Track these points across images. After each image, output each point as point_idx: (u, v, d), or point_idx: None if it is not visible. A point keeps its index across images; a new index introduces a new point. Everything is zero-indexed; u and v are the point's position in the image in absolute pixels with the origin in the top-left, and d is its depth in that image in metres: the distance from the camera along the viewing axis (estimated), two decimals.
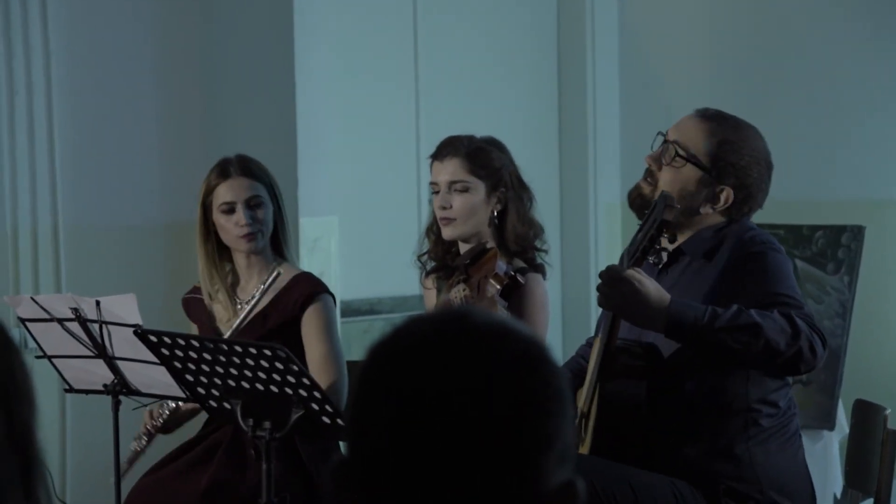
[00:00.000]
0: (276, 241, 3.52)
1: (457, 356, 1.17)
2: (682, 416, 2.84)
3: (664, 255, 2.88)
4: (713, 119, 2.95)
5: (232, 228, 3.45)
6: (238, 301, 3.53)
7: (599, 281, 2.74)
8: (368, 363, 1.22)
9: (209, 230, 3.50)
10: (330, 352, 3.41)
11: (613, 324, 2.79)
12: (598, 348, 2.86)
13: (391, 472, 1.17)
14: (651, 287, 2.69)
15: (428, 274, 3.60)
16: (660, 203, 2.70)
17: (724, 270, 2.83)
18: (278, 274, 3.44)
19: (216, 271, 3.51)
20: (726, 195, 2.89)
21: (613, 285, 2.69)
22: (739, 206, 2.91)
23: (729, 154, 2.90)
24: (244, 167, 3.48)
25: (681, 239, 2.92)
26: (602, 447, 2.84)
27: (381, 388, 1.19)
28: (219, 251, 3.52)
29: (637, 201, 2.95)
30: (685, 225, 2.89)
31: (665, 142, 2.94)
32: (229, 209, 3.46)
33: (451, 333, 1.18)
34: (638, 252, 2.72)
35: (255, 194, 3.46)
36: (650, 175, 2.95)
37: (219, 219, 3.48)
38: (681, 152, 2.89)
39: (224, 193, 3.46)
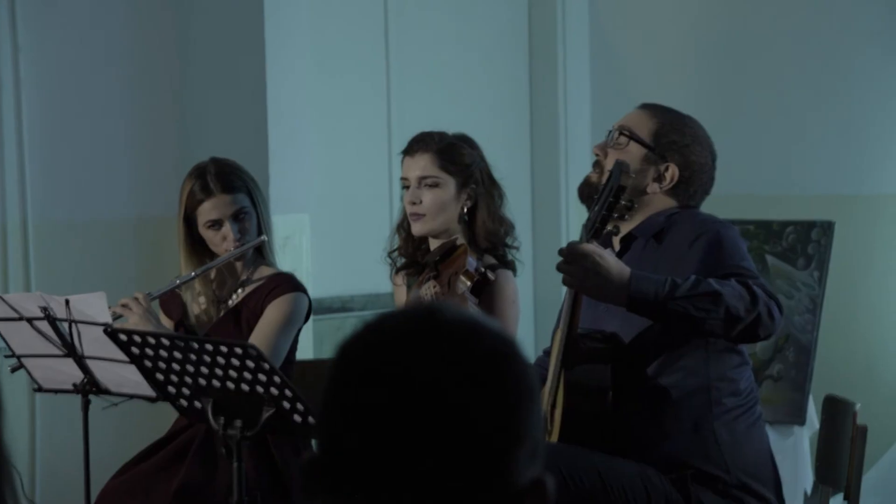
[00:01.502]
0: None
1: (427, 352, 1.16)
2: (647, 400, 2.88)
3: (621, 227, 2.90)
4: (655, 106, 3.06)
5: (220, 243, 3.47)
6: (220, 302, 3.54)
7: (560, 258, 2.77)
8: (338, 360, 1.21)
9: (194, 241, 3.50)
10: (272, 344, 3.39)
11: (575, 304, 2.82)
12: (560, 336, 2.88)
13: (362, 469, 1.16)
14: (611, 260, 2.73)
15: (398, 270, 3.60)
16: (615, 170, 2.75)
17: (678, 250, 2.87)
18: (258, 275, 3.46)
19: (205, 280, 3.52)
20: (671, 172, 2.96)
21: (574, 261, 2.71)
22: (686, 185, 2.97)
23: (670, 132, 2.98)
24: (224, 181, 3.47)
25: (631, 224, 2.95)
26: (570, 434, 2.85)
27: (351, 385, 1.18)
28: (200, 250, 3.52)
29: (585, 191, 3.01)
30: (636, 210, 2.92)
31: (610, 131, 3.03)
32: (216, 226, 3.46)
33: (421, 330, 1.18)
34: (596, 223, 2.76)
35: (239, 207, 3.47)
36: (597, 165, 3.01)
37: (205, 233, 3.49)
38: (624, 132, 2.98)
39: (209, 211, 3.46)
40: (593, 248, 2.72)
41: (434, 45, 5.30)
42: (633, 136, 2.97)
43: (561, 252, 2.74)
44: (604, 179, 2.87)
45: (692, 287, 2.70)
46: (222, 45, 4.59)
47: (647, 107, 3.05)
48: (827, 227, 4.51)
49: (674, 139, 2.97)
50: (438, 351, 1.16)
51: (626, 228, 2.96)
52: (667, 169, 2.96)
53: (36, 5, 4.44)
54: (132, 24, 4.59)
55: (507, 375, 1.17)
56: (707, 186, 3.03)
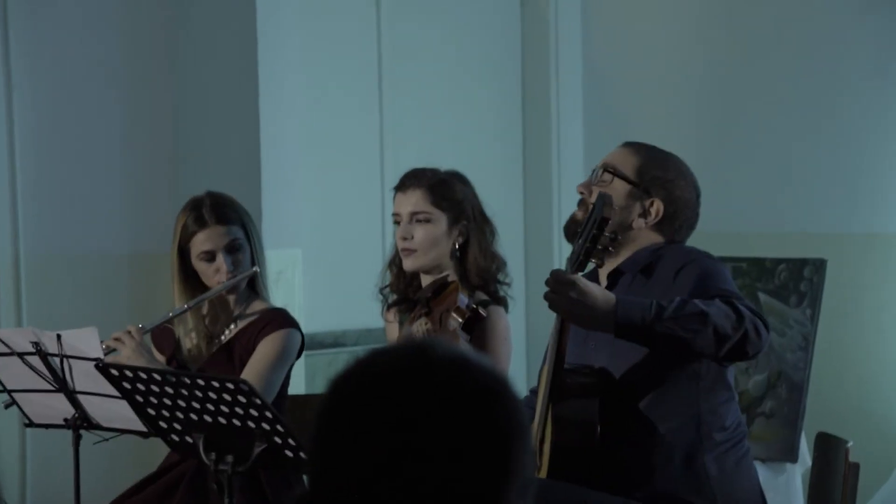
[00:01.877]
0: (251, 278, 3.52)
1: (418, 389, 1.17)
2: (637, 435, 2.88)
3: (606, 262, 2.91)
4: (638, 144, 3.09)
5: (213, 275, 3.46)
6: (212, 337, 3.53)
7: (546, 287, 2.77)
8: (330, 396, 1.22)
9: (188, 274, 3.50)
10: (264, 380, 3.39)
11: (561, 336, 2.82)
12: (547, 370, 2.89)
13: None
14: (596, 289, 2.74)
15: (389, 307, 3.60)
16: (598, 202, 2.77)
17: (664, 282, 2.89)
18: (251, 310, 3.46)
19: (197, 314, 3.52)
20: (657, 207, 2.98)
21: (559, 290, 2.72)
22: (671, 220, 3.00)
23: (654, 168, 3.01)
24: (219, 213, 3.48)
25: (618, 260, 2.96)
26: (559, 469, 2.85)
27: (342, 420, 1.18)
28: (193, 283, 3.52)
29: (571, 228, 3.02)
30: (622, 245, 2.94)
31: (594, 169, 3.06)
32: (209, 258, 3.46)
33: (413, 367, 1.18)
34: (581, 255, 2.77)
35: (233, 238, 3.47)
36: (582, 203, 3.04)
37: (198, 265, 3.48)
38: (608, 170, 3.00)
39: (203, 242, 3.46)
40: (577, 276, 2.73)
41: (427, 80, 5.32)
42: (616, 173, 2.99)
43: (547, 281, 2.76)
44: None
45: (678, 308, 2.71)
46: (216, 80, 4.60)
47: (630, 144, 3.08)
48: (819, 265, 4.52)
49: (657, 175, 2.99)
50: (429, 388, 1.16)
51: (612, 264, 2.98)
52: (651, 204, 2.98)
53: (30, 37, 4.45)
54: (125, 63, 4.60)
55: (497, 413, 1.18)
56: (692, 221, 3.05)
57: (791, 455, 4.38)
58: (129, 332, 3.38)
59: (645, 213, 2.98)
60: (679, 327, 2.70)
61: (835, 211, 5.08)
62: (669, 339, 2.72)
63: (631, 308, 2.72)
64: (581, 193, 3.05)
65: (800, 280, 4.54)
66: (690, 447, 2.87)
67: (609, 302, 2.71)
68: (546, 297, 2.75)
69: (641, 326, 2.71)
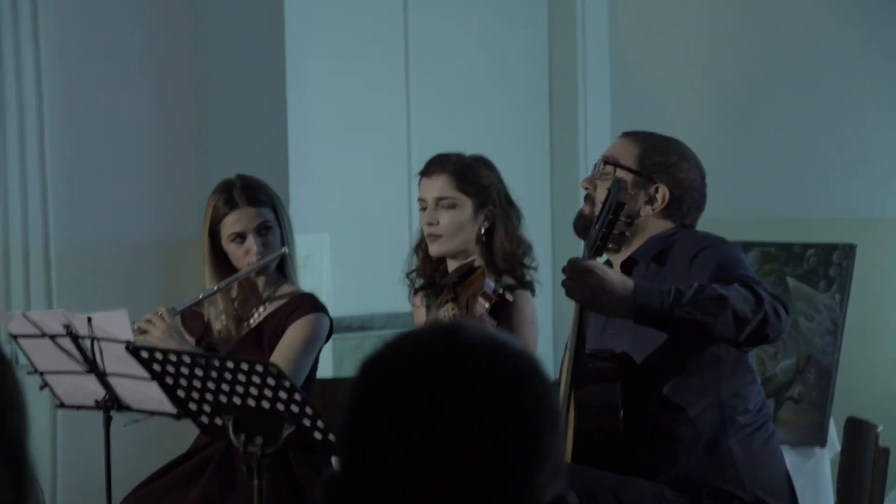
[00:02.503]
0: (280, 260, 3.54)
1: (449, 372, 1.17)
2: (660, 420, 2.87)
3: (621, 244, 2.91)
4: (637, 133, 3.08)
5: (243, 256, 3.48)
6: (242, 320, 3.55)
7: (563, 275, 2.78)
8: (360, 379, 1.22)
9: (218, 256, 3.51)
10: (293, 364, 3.40)
11: (581, 323, 2.82)
12: (568, 357, 2.89)
13: (383, 488, 1.16)
14: (614, 275, 2.74)
15: (416, 291, 3.61)
16: (613, 188, 2.76)
17: (679, 268, 2.88)
18: (280, 293, 3.47)
19: (227, 296, 3.53)
20: (662, 193, 2.97)
21: (577, 276, 2.71)
22: (678, 204, 2.98)
23: (654, 154, 3.00)
24: (249, 195, 3.49)
25: (630, 250, 2.96)
26: (582, 455, 2.85)
27: (372, 403, 1.19)
28: (223, 266, 3.53)
29: (580, 224, 3.02)
30: (632, 234, 2.93)
31: (596, 163, 3.05)
32: (240, 238, 3.47)
33: (444, 349, 1.18)
34: (598, 240, 2.76)
35: (263, 220, 3.48)
36: (588, 198, 3.03)
37: (229, 247, 3.50)
38: (609, 162, 2.99)
39: (233, 224, 3.47)
40: (595, 263, 2.73)
41: (454, 65, 5.31)
42: (618, 165, 2.98)
43: (564, 269, 2.75)
44: (596, 210, 2.89)
45: (696, 293, 2.70)
46: (242, 66, 4.61)
47: (629, 134, 3.07)
48: (849, 250, 4.50)
49: (659, 160, 2.98)
50: (461, 370, 1.16)
51: (624, 254, 2.97)
52: (657, 190, 2.96)
53: (59, 26, 4.48)
54: (153, 49, 4.62)
55: (529, 395, 1.17)
56: (700, 203, 3.03)
57: (820, 440, 4.37)
58: (160, 314, 3.40)
59: (651, 200, 2.96)
60: (698, 311, 2.69)
61: (864, 195, 5.06)
62: (689, 324, 2.71)
63: (650, 293, 2.71)
64: (585, 188, 3.04)
65: (829, 265, 4.52)
66: (714, 431, 2.87)
67: (627, 288, 2.70)
68: (563, 284, 2.75)
69: (660, 311, 2.70)
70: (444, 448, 1.15)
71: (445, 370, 1.17)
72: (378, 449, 1.16)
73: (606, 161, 3.00)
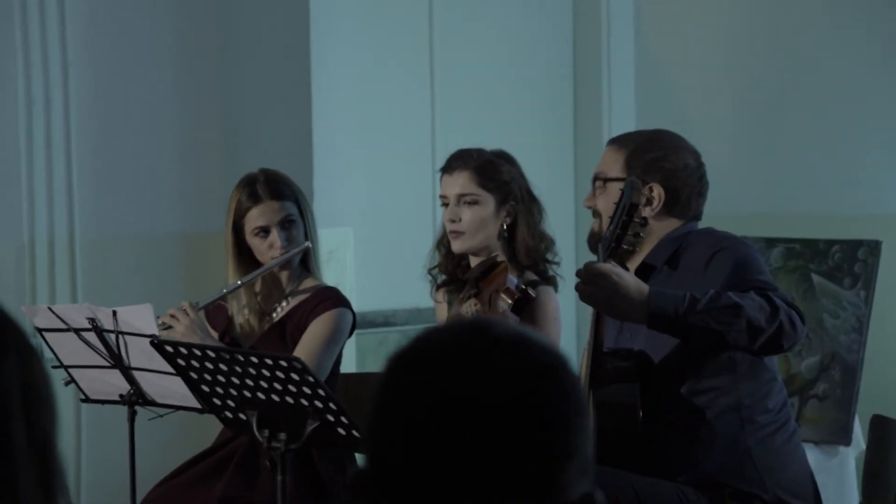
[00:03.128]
0: (304, 255, 3.54)
1: (477, 366, 1.16)
2: (679, 420, 2.87)
3: (636, 245, 2.89)
4: (621, 137, 3.06)
5: (266, 251, 3.48)
6: (265, 314, 3.55)
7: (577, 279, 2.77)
8: (388, 373, 1.22)
9: (241, 251, 3.51)
10: (316, 359, 3.40)
11: (598, 323, 2.82)
12: (586, 356, 2.88)
13: (410, 483, 1.16)
14: (630, 279, 2.73)
15: (438, 288, 3.60)
16: (627, 188, 2.76)
17: (695, 270, 2.86)
18: (303, 287, 3.47)
19: (250, 291, 3.54)
20: (657, 192, 2.94)
21: (592, 281, 2.71)
22: (676, 196, 2.94)
23: (640, 154, 2.96)
24: (273, 188, 3.49)
25: (643, 254, 2.94)
26: (602, 454, 2.84)
27: (400, 398, 1.19)
28: (247, 260, 3.54)
29: (592, 241, 3.01)
30: (642, 239, 2.91)
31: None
32: (263, 232, 3.48)
33: (471, 344, 1.18)
34: (613, 242, 2.76)
35: (287, 214, 3.49)
36: (595, 214, 3.03)
37: (252, 241, 3.50)
38: (599, 178, 2.98)
39: (257, 217, 3.48)
40: (611, 267, 2.72)
41: (478, 60, 5.31)
42: (606, 179, 2.97)
43: (578, 273, 2.75)
44: (605, 224, 2.89)
45: (711, 301, 2.69)
46: (268, 61, 4.62)
47: (613, 141, 3.04)
48: (874, 247, 4.47)
49: (645, 159, 2.94)
50: (488, 365, 1.16)
51: (638, 259, 2.95)
52: (651, 190, 2.93)
53: (85, 22, 4.49)
54: (178, 43, 4.63)
55: (556, 390, 1.17)
56: (699, 188, 2.98)
57: (845, 438, 4.35)
58: (184, 309, 3.41)
59: (648, 202, 2.93)
60: (712, 319, 2.69)
61: (890, 192, 5.03)
62: (703, 332, 2.70)
63: (664, 299, 2.70)
64: (588, 207, 3.04)
65: (854, 261, 4.50)
66: (733, 431, 2.85)
67: (642, 293, 2.70)
68: (577, 288, 2.75)
69: (674, 318, 2.70)
70: (472, 442, 1.15)
71: (473, 365, 1.17)
72: (405, 443, 1.16)
73: (596, 178, 3.00)
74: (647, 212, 2.92)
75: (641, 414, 2.82)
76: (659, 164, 2.94)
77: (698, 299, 2.69)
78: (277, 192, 3.49)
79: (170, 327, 3.41)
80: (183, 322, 3.40)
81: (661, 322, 2.71)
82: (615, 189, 2.94)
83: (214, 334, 3.58)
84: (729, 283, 2.77)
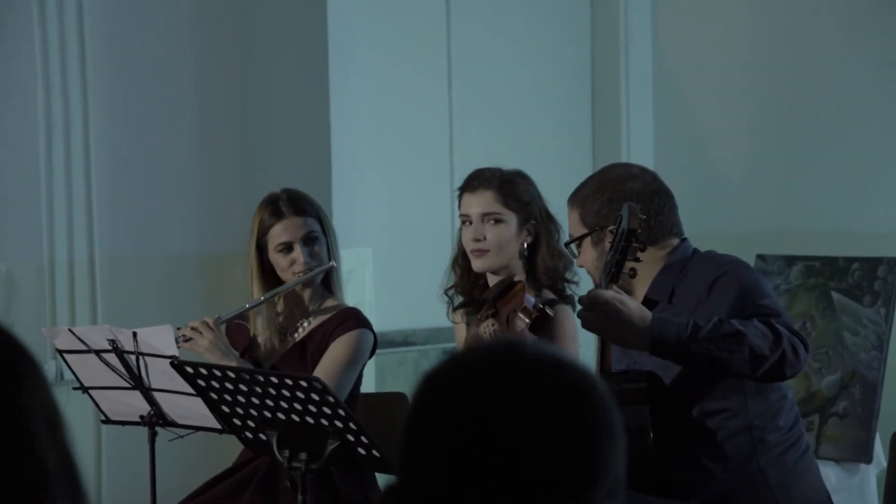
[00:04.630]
0: (326, 274, 3.54)
1: (508, 387, 1.17)
2: (690, 443, 2.86)
3: (636, 271, 2.89)
4: (574, 195, 3.04)
5: (289, 267, 3.48)
6: (286, 333, 3.55)
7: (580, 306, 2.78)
8: (421, 392, 1.22)
9: (265, 269, 3.52)
10: (336, 380, 3.39)
11: (604, 346, 2.82)
12: None
13: (441, 500, 1.16)
14: (633, 306, 2.73)
15: (455, 309, 3.60)
16: (624, 214, 2.76)
17: (697, 295, 2.86)
18: (325, 307, 3.48)
19: (272, 309, 3.54)
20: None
21: (594, 308, 2.71)
22: (645, 227, 2.90)
23: (591, 205, 2.96)
24: (296, 205, 3.50)
25: (643, 290, 2.94)
26: None
27: (434, 416, 1.19)
28: (270, 278, 3.54)
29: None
30: (637, 278, 2.90)
31: None
32: (286, 249, 3.48)
33: (503, 365, 1.18)
34: (612, 267, 2.76)
35: (310, 230, 3.49)
36: (589, 273, 3.05)
37: (276, 258, 3.50)
38: (568, 243, 3.03)
39: (280, 234, 3.49)
40: (614, 294, 2.73)
41: (496, 80, 5.32)
42: (573, 241, 3.00)
43: (581, 300, 2.76)
44: (597, 274, 2.91)
45: (714, 328, 2.70)
46: (286, 82, 4.63)
47: (570, 200, 3.04)
48: (894, 264, 4.46)
49: (596, 208, 2.94)
50: (520, 385, 1.16)
51: (640, 294, 2.94)
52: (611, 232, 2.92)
53: (105, 42, 4.51)
54: (197, 64, 4.65)
55: (587, 411, 1.17)
56: (659, 206, 2.95)
57: (865, 455, 4.33)
58: (207, 323, 3.41)
59: None
60: (715, 347, 2.69)
61: None
62: (704, 359, 2.71)
63: (667, 326, 2.71)
64: (580, 266, 3.07)
65: (874, 279, 4.49)
66: (745, 451, 2.85)
67: (645, 319, 2.71)
68: (580, 315, 2.76)
69: (677, 345, 2.70)
70: (502, 463, 1.15)
71: (505, 385, 1.17)
72: (437, 461, 1.16)
73: (567, 243, 3.04)
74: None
75: (652, 435, 2.81)
76: (607, 206, 2.93)
77: (701, 327, 2.70)
78: (300, 209, 3.50)
79: (190, 339, 3.41)
80: (206, 336, 3.40)
81: (663, 349, 2.72)
82: (588, 245, 2.97)
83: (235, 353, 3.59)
84: (732, 309, 2.78)
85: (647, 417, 2.82)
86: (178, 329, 3.31)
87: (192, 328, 3.41)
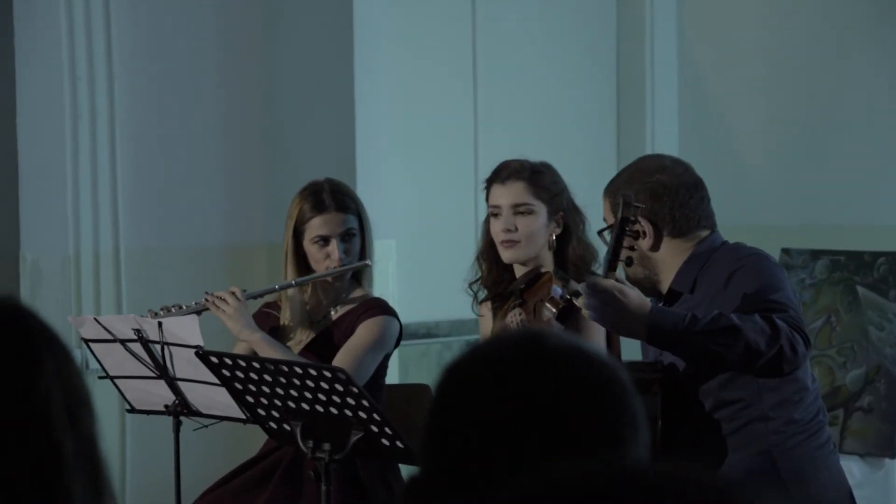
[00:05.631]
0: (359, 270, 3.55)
1: (533, 378, 1.17)
2: (705, 431, 2.87)
3: (632, 259, 2.89)
4: (609, 185, 3.02)
5: (322, 260, 3.49)
6: (312, 322, 3.57)
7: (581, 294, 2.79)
8: (445, 383, 1.22)
9: (299, 254, 3.53)
10: (358, 362, 3.40)
11: (611, 336, 2.82)
12: None
13: (465, 491, 1.17)
14: (633, 295, 2.74)
15: (482, 301, 3.60)
16: (619, 203, 2.80)
17: (715, 289, 2.87)
18: (352, 297, 3.49)
19: (299, 298, 3.55)
20: (643, 226, 2.92)
21: (594, 296, 2.72)
22: (663, 218, 2.92)
23: (619, 195, 2.91)
24: (339, 200, 3.51)
25: (667, 282, 2.94)
26: None
27: (456, 407, 1.19)
28: (303, 264, 3.55)
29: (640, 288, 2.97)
30: (655, 270, 2.92)
31: None
32: (323, 242, 3.49)
33: (528, 355, 1.18)
34: (610, 255, 2.78)
35: (349, 227, 3.50)
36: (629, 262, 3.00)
37: (310, 248, 3.51)
38: (602, 231, 2.98)
39: (319, 227, 3.49)
40: (613, 283, 2.74)
41: (521, 72, 5.31)
42: (606, 230, 2.95)
43: (581, 288, 2.77)
44: (638, 274, 2.92)
45: (711, 322, 2.70)
46: (310, 74, 4.64)
47: (604, 192, 3.02)
48: None
49: (623, 197, 2.89)
50: (545, 376, 1.16)
51: (664, 287, 2.94)
52: (639, 224, 2.91)
53: (131, 35, 4.53)
54: (222, 56, 4.66)
55: (613, 400, 1.17)
56: (686, 198, 2.94)
57: (890, 450, 4.31)
58: (233, 293, 3.43)
59: (642, 235, 2.92)
60: (710, 341, 2.70)
61: None
62: (700, 351, 2.72)
63: (664, 315, 2.72)
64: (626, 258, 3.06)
65: None
66: (759, 444, 2.85)
67: (643, 308, 2.72)
68: (580, 302, 2.77)
69: (672, 334, 2.71)
70: (526, 451, 1.15)
71: (529, 376, 1.17)
72: (460, 452, 1.17)
73: (600, 231, 3.00)
74: (644, 245, 2.92)
75: (661, 425, 2.82)
76: (637, 196, 2.91)
77: (699, 319, 2.71)
78: (342, 205, 3.51)
79: (211, 307, 3.42)
80: (232, 304, 3.41)
81: (658, 337, 2.73)
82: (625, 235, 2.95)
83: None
84: (743, 302, 2.78)
85: (657, 408, 2.83)
86: (206, 294, 3.34)
87: (218, 297, 3.42)
